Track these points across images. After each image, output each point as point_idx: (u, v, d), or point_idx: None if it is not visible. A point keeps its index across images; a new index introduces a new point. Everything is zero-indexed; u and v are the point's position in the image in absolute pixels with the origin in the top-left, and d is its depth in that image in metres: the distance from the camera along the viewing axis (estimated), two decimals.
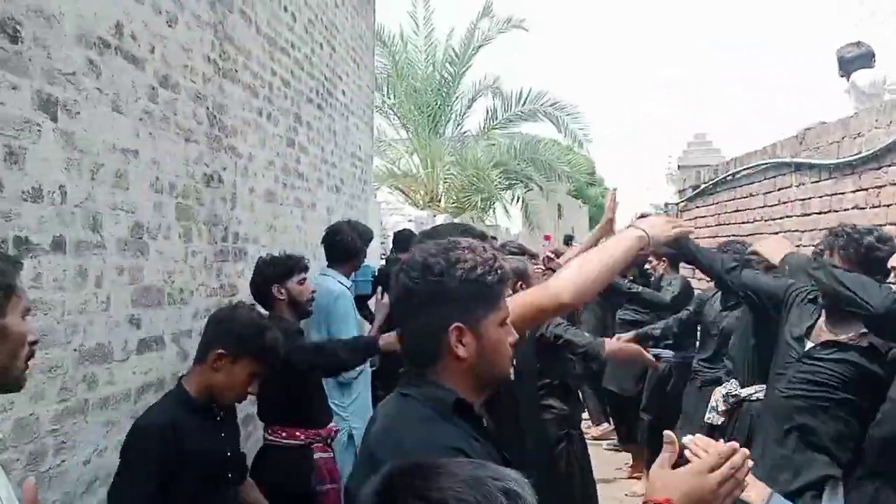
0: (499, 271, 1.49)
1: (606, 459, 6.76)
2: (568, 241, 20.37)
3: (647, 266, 5.83)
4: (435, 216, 12.01)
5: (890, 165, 4.12)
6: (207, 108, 3.96)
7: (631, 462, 6.43)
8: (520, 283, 3.58)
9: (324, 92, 6.25)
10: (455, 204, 15.33)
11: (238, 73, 4.40)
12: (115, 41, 3.02)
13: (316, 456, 3.06)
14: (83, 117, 2.75)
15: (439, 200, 15.25)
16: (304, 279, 3.26)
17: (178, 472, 2.15)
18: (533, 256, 4.82)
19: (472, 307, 1.45)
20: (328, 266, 3.96)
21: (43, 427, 2.44)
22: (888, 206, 4.13)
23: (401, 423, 1.43)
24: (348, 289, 3.89)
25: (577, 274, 1.92)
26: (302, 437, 3.07)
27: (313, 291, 3.28)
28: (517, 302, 1.81)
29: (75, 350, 2.64)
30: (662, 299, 5.45)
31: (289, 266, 3.24)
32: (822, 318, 2.86)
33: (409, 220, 9.89)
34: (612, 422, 7.18)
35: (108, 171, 2.93)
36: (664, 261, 5.66)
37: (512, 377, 1.55)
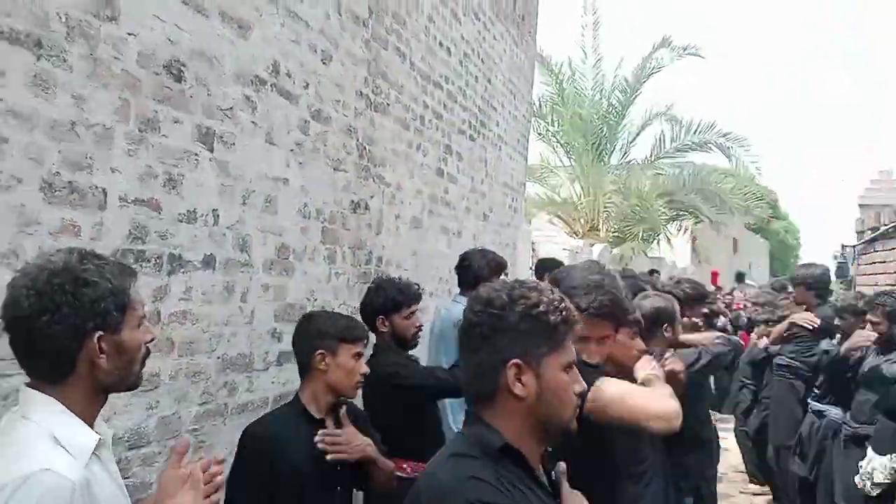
0: (563, 312, 1.47)
1: None
2: (740, 277, 19.21)
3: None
4: (592, 245, 11.86)
5: None
6: (357, 140, 4.23)
7: None
8: (665, 325, 3.43)
9: (476, 123, 6.43)
10: (615, 233, 15.03)
11: (390, 106, 4.65)
12: (272, 78, 3.33)
13: None
14: (237, 148, 3.05)
15: (598, 230, 15.02)
16: (413, 313, 3.19)
17: (276, 481, 2.26)
18: (704, 296, 4.56)
19: (533, 344, 1.44)
20: (459, 293, 4.05)
21: (184, 426, 2.72)
22: None
23: (443, 457, 1.46)
24: None
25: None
26: (409, 469, 2.94)
27: (420, 326, 3.26)
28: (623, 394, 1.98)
29: (219, 358, 2.93)
30: None
31: (396, 301, 3.15)
32: None
33: (564, 249, 9.84)
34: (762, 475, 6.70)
35: (259, 197, 3.22)
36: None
37: (575, 428, 1.51)
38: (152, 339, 1.51)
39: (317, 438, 2.29)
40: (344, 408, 2.45)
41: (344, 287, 4.05)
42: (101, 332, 1.37)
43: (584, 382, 1.53)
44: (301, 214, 3.59)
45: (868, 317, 4.40)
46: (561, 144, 16.12)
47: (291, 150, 3.49)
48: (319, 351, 2.35)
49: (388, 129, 4.63)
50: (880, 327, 4.26)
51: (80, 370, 1.38)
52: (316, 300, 3.71)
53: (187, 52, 2.73)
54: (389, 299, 3.16)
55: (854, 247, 8.49)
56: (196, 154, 2.79)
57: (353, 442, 2.33)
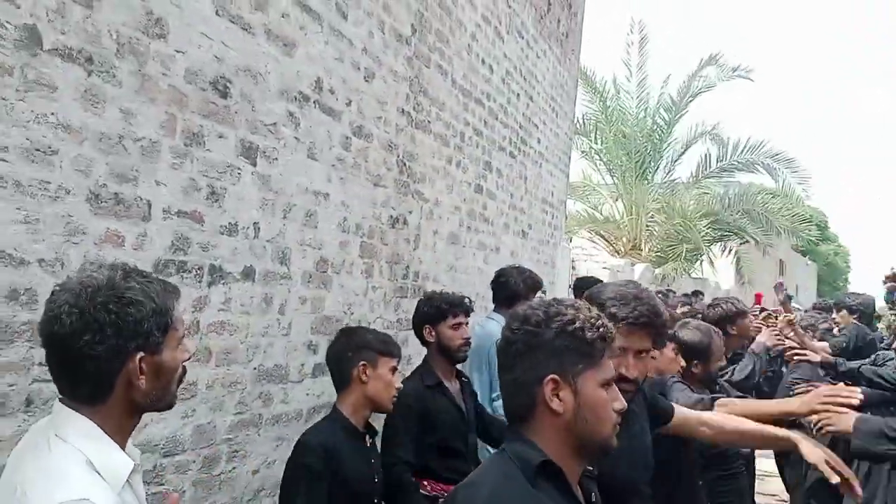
0: (600, 329, 1.47)
1: None
2: (787, 299, 18.78)
3: None
4: (634, 265, 11.74)
5: None
6: (398, 156, 4.27)
7: None
8: (695, 361, 3.33)
9: (517, 140, 6.44)
10: (658, 253, 14.86)
11: (430, 123, 4.69)
12: (315, 95, 3.39)
13: None
14: (280, 163, 3.11)
15: (640, 249, 14.86)
16: (460, 324, 3.17)
17: (333, 492, 2.31)
18: (741, 313, 4.45)
19: (569, 360, 1.45)
20: (494, 310, 4.05)
21: (219, 435, 2.77)
22: None
23: (482, 475, 1.46)
24: None
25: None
26: (429, 488, 2.90)
27: (468, 338, 3.25)
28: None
29: (255, 369, 2.97)
30: None
31: (442, 309, 3.16)
32: None
33: (604, 268, 9.75)
34: None
35: (300, 211, 3.28)
36: None
37: (614, 445, 1.50)
38: (189, 358, 1.50)
39: None
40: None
41: (381, 301, 4.08)
42: (142, 353, 1.34)
43: (624, 400, 1.51)
44: (340, 228, 3.63)
45: None
46: (604, 162, 16.05)
47: (333, 166, 3.55)
48: (362, 362, 2.40)
49: (427, 146, 4.67)
50: None
51: (118, 391, 1.34)
52: (352, 314, 3.75)
53: (233, 68, 2.80)
54: (435, 307, 3.20)
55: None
56: (239, 168, 2.85)
57: None
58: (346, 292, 3.70)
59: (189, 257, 2.59)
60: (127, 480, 1.35)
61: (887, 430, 2.58)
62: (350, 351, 2.46)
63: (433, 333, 3.14)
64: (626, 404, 1.53)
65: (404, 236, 4.37)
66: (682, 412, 2.35)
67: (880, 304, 8.69)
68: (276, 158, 3.09)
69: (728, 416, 2.44)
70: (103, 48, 2.24)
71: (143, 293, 1.33)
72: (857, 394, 2.42)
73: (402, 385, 2.51)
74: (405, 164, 4.34)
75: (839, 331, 5.42)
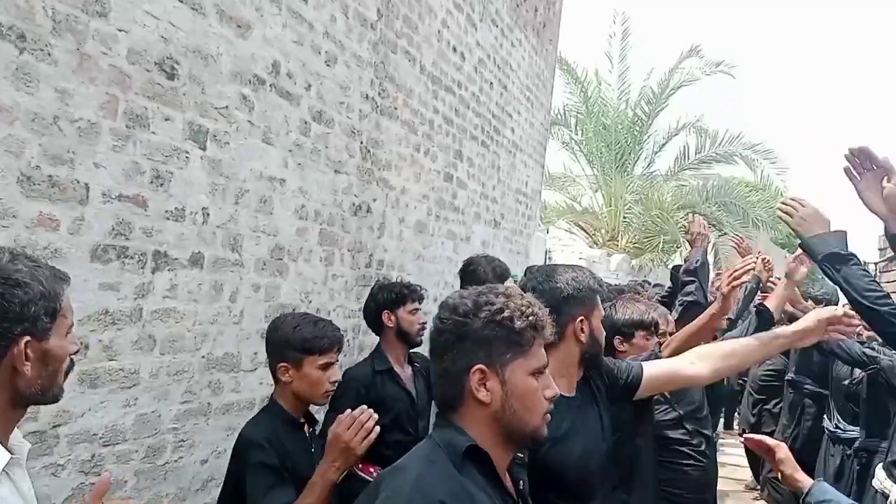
0: (530, 317, 1.45)
1: None
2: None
3: None
4: (610, 256, 11.75)
5: None
6: (361, 143, 4.21)
7: None
8: (643, 334, 3.34)
9: (490, 130, 6.39)
10: (635, 244, 14.88)
11: (397, 110, 4.63)
12: (272, 78, 3.32)
13: None
14: (232, 147, 3.05)
15: (618, 240, 14.88)
16: (417, 309, 3.22)
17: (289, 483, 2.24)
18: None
19: (497, 350, 1.42)
20: None
21: (164, 424, 2.71)
22: None
23: (409, 461, 1.43)
24: None
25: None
26: (374, 474, 2.73)
27: (424, 323, 3.25)
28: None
29: (203, 357, 2.91)
30: None
31: (402, 294, 3.18)
32: None
33: (580, 258, 9.75)
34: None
35: (253, 197, 3.21)
36: None
37: (544, 434, 1.48)
38: (77, 352, 1.44)
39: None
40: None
41: (342, 289, 4.03)
42: (28, 338, 1.28)
43: (556, 388, 1.49)
44: (297, 215, 3.57)
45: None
46: (584, 153, 16.01)
47: (290, 151, 3.48)
48: (282, 364, 2.30)
49: (394, 133, 4.61)
50: None
51: (2, 378, 1.28)
52: (311, 302, 3.69)
53: (181, 49, 2.73)
54: (394, 293, 3.20)
55: (876, 264, 8.30)
56: (186, 152, 2.78)
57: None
58: (304, 280, 3.65)
59: (131, 242, 2.53)
60: (6, 472, 1.28)
61: None
62: (273, 349, 2.34)
63: (392, 318, 3.14)
64: (558, 391, 1.50)
65: (368, 224, 4.32)
66: (654, 365, 2.21)
67: None
68: (228, 142, 3.02)
69: (717, 344, 2.40)
70: (37, 25, 2.17)
71: (30, 276, 1.28)
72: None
73: (338, 377, 2.39)
74: (369, 151, 4.28)
75: None
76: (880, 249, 8.22)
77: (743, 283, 2.52)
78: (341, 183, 3.99)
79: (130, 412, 2.55)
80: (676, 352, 2.52)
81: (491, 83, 6.35)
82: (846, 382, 4.65)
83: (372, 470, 2.87)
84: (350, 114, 4.03)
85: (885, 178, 2.22)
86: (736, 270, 2.59)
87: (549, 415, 1.49)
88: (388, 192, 4.57)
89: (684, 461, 3.21)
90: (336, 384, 2.38)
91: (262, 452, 2.22)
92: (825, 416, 4.92)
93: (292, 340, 2.27)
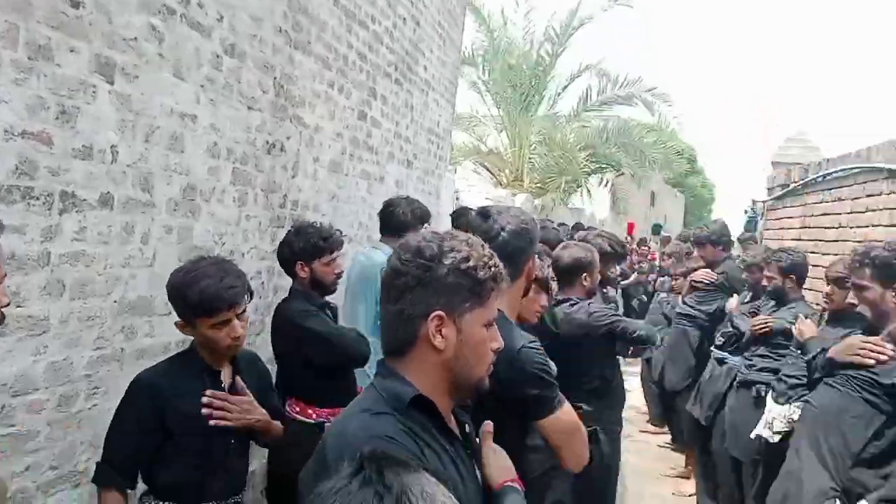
0: (492, 269, 1.45)
1: (661, 457, 6.66)
2: (656, 230, 19.76)
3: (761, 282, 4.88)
4: (515, 196, 11.94)
5: None
6: (275, 78, 4.06)
7: (683, 462, 6.28)
8: (584, 275, 3.55)
9: (403, 67, 6.28)
10: (538, 184, 15.17)
11: (311, 44, 4.48)
12: (181, 8, 3.13)
13: None
14: (141, 81, 2.88)
15: (522, 180, 15.12)
16: (333, 259, 3.09)
17: (179, 431, 2.18)
18: (623, 255, 4.81)
19: (458, 298, 1.41)
20: (381, 239, 3.99)
21: (76, 372, 2.61)
22: None
23: (352, 411, 1.43)
24: None
25: None
26: (314, 416, 2.93)
27: (340, 272, 3.19)
28: None
29: (115, 302, 2.80)
30: None
31: (319, 247, 3.04)
32: None
33: (487, 199, 9.86)
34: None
35: (164, 134, 3.06)
36: (790, 278, 4.60)
37: (487, 385, 1.50)
38: (8, 304, 1.36)
39: (204, 400, 2.19)
40: (237, 378, 2.34)
41: (255, 230, 3.94)
42: None
43: (501, 340, 1.51)
44: (210, 153, 3.44)
45: (765, 272, 4.62)
46: (490, 94, 16.02)
47: (202, 86, 3.32)
48: (179, 322, 2.23)
49: (307, 68, 4.46)
50: (775, 282, 4.49)
51: None
52: (224, 244, 3.60)
53: None
54: (311, 245, 3.05)
55: (764, 202, 8.79)
56: (94, 86, 2.61)
57: (244, 412, 2.26)
58: (217, 221, 3.54)
59: (36, 182, 2.37)
60: None
61: None
62: (174, 305, 2.23)
63: (306, 269, 3.05)
64: (503, 344, 1.52)
65: (282, 163, 4.21)
66: None
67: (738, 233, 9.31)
68: (137, 76, 2.85)
69: None
70: None
71: None
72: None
73: (239, 332, 2.30)
74: (283, 87, 4.14)
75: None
76: (768, 189, 8.70)
77: None
78: (254, 120, 3.85)
79: (41, 360, 2.43)
80: None
81: (404, 18, 6.22)
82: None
83: (311, 412, 2.90)
84: (263, 47, 3.87)
85: None
86: None
87: (492, 366, 1.52)
88: (303, 130, 4.45)
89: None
90: (239, 339, 2.27)
91: (133, 396, 2.19)
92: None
93: (181, 302, 2.18)
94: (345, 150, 5.14)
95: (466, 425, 1.56)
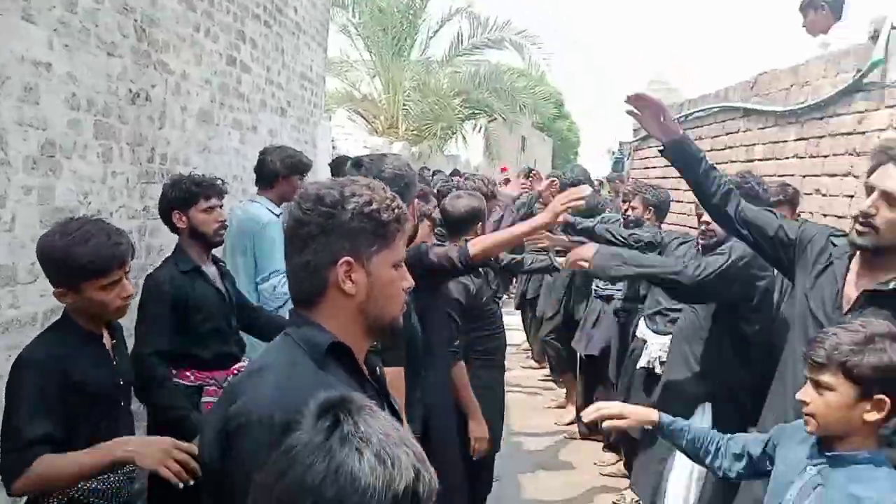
0: (395, 210, 1.44)
1: (548, 390, 6.93)
2: (528, 173, 20.29)
3: (626, 210, 5.42)
4: (392, 143, 11.83)
5: (832, 116, 4.10)
6: (135, 21, 3.75)
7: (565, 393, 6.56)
8: (479, 223, 3.53)
9: (272, 8, 5.99)
10: (414, 132, 15.09)
11: None
12: None
13: (205, 399, 2.80)
14: None
15: (398, 127, 14.98)
16: (212, 207, 2.92)
17: (70, 401, 2.05)
18: (494, 195, 5.03)
19: (364, 242, 1.40)
20: (258, 192, 3.82)
21: None
22: (825, 157, 4.14)
23: (267, 364, 1.38)
24: (278, 216, 3.76)
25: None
26: (192, 378, 2.83)
27: (223, 221, 3.05)
28: None
29: None
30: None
31: (192, 192, 2.87)
32: None
33: (364, 147, 9.70)
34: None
35: (16, 85, 2.77)
36: (650, 210, 4.92)
37: (401, 325, 1.51)
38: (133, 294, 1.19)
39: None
40: None
41: (123, 188, 3.67)
42: None
43: (411, 279, 1.51)
44: (69, 105, 3.15)
45: (631, 203, 4.85)
46: (361, 38, 15.65)
47: (55, 30, 3.01)
48: (59, 289, 2.05)
49: (170, 10, 4.15)
50: (636, 211, 4.74)
51: None
52: (90, 203, 3.33)
53: None
54: (184, 191, 2.88)
55: (630, 143, 9.16)
56: None
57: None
58: (81, 179, 3.27)
59: None
60: None
61: (619, 253, 3.23)
62: (54, 272, 2.04)
63: (184, 219, 2.87)
64: (413, 283, 1.53)
65: (147, 114, 3.92)
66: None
67: (606, 173, 9.65)
68: None
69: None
70: None
71: None
72: (584, 190, 2.77)
73: (130, 290, 2.17)
74: (144, 31, 3.83)
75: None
76: (634, 130, 9.05)
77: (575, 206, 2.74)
78: (116, 67, 3.55)
79: None
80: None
81: None
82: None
83: (189, 373, 2.77)
84: None
85: (661, 114, 2.59)
86: (572, 198, 2.72)
87: (405, 305, 1.53)
88: (168, 77, 4.16)
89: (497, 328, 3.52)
90: (129, 298, 2.15)
91: (35, 374, 2.00)
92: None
93: (64, 266, 2.00)
94: (214, 98, 4.87)
95: (378, 368, 1.56)
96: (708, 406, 3.27)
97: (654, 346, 4.04)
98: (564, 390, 6.52)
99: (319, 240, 1.38)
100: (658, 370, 3.94)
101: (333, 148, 8.86)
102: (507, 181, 8.05)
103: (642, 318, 4.32)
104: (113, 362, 2.17)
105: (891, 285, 2.09)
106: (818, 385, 1.78)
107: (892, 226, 2.08)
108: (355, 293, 1.40)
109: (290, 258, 1.44)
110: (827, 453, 1.79)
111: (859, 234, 2.14)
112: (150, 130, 3.94)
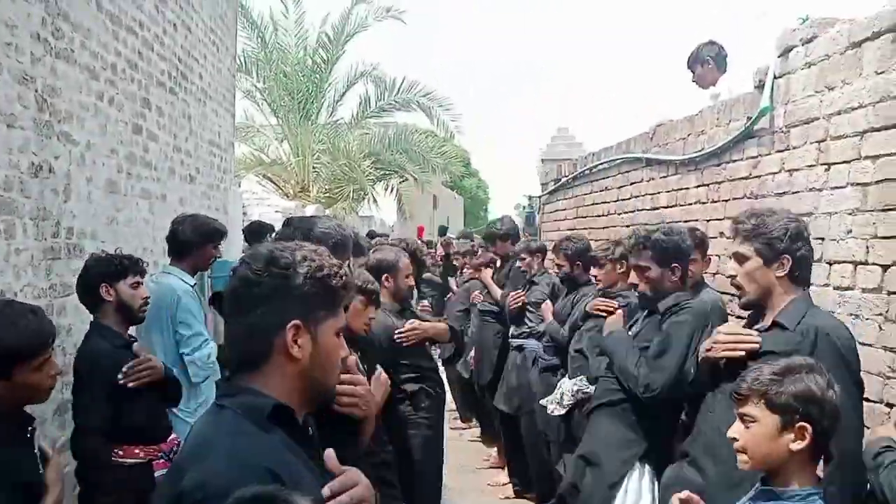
0: (342, 278, 1.45)
1: (478, 450, 6.87)
2: (443, 231, 20.54)
3: (518, 264, 5.67)
4: (304, 207, 11.76)
5: (729, 162, 4.34)
6: (36, 91, 3.62)
7: (495, 453, 6.52)
8: (385, 276, 3.57)
9: (177, 75, 5.92)
10: (326, 194, 15.07)
11: (75, 52, 4.05)
12: None
13: (157, 474, 2.82)
14: None
15: (309, 190, 14.93)
16: (139, 283, 2.96)
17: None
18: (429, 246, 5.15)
19: (314, 307, 1.40)
20: (171, 263, 3.71)
21: None
22: (726, 200, 4.36)
23: (211, 437, 1.33)
24: (192, 287, 3.66)
25: None
26: (142, 454, 2.82)
27: (147, 297, 3.00)
28: None
29: None
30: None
31: (123, 265, 2.92)
32: None
33: (277, 212, 9.60)
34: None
35: None
36: (538, 257, 5.60)
37: (336, 394, 1.54)
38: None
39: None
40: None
41: (27, 266, 3.48)
42: None
43: (347, 349, 1.52)
44: None
45: (555, 260, 4.97)
46: (267, 102, 15.64)
47: None
48: None
49: (73, 79, 4.04)
50: (564, 268, 4.85)
51: None
52: None
53: None
54: (116, 264, 2.93)
55: (539, 197, 9.41)
56: None
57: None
58: None
59: None
60: None
61: (623, 339, 3.35)
62: None
63: (111, 292, 2.82)
64: (349, 353, 1.55)
65: (51, 187, 3.76)
66: None
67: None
68: None
69: None
70: None
71: None
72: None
73: (58, 369, 2.10)
74: (46, 101, 3.71)
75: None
76: (542, 184, 9.32)
77: None
78: (16, 139, 3.40)
79: None
80: None
81: (174, 24, 5.86)
82: None
83: (137, 451, 2.71)
84: (21, 57, 3.44)
85: None
86: None
87: (339, 376, 1.55)
88: (72, 147, 4.01)
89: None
90: (57, 375, 2.06)
91: None
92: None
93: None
94: (121, 167, 4.73)
95: (310, 428, 1.54)
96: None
97: (563, 389, 4.13)
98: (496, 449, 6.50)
99: (270, 302, 1.37)
100: (558, 410, 4.04)
101: (244, 214, 8.72)
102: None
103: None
104: (35, 449, 2.03)
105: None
106: (743, 419, 1.84)
107: (747, 279, 2.42)
108: (301, 357, 1.38)
109: (230, 321, 1.42)
110: (762, 487, 1.84)
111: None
112: (54, 204, 3.78)
